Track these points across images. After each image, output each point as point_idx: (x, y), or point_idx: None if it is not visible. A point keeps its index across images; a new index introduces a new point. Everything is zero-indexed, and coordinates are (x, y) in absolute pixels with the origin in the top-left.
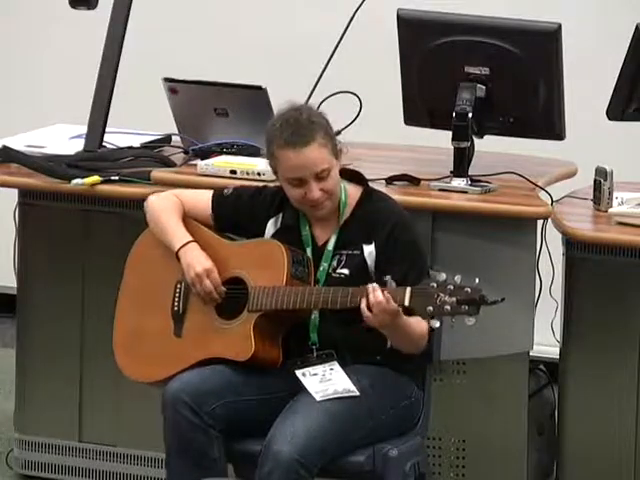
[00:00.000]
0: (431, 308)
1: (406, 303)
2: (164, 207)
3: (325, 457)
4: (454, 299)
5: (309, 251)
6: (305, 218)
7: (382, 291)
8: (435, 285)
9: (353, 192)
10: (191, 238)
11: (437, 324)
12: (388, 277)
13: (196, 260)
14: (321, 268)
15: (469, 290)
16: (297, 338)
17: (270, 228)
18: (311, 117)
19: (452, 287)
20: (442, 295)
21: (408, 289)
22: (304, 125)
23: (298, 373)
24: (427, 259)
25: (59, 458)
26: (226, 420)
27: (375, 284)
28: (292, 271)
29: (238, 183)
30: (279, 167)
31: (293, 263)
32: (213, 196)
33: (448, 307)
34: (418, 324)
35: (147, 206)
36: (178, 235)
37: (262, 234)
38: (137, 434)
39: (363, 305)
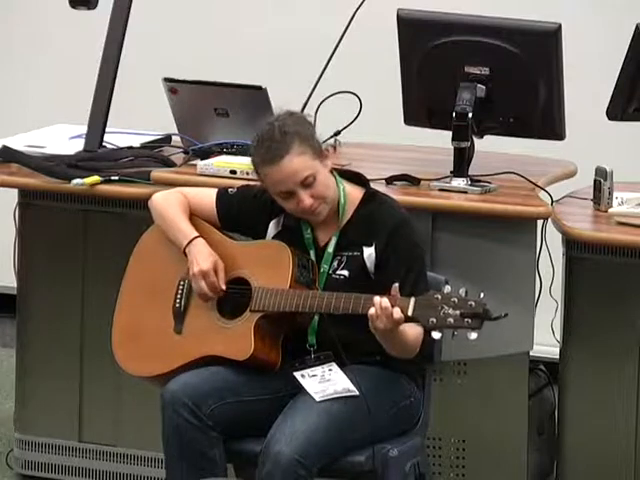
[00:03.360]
0: (434, 320)
1: (409, 313)
2: (170, 204)
3: (325, 457)
4: (458, 312)
5: (312, 253)
6: (307, 221)
7: (388, 299)
8: (439, 297)
9: (354, 193)
10: (197, 233)
11: (438, 336)
12: (396, 285)
13: (198, 258)
14: (322, 270)
15: (473, 304)
16: (295, 340)
17: (272, 229)
18: (284, 128)
19: (456, 300)
20: (446, 307)
21: (412, 299)
22: (277, 139)
23: (297, 375)
24: (425, 261)
25: (59, 458)
26: (226, 421)
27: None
28: (297, 275)
29: (238, 183)
30: (265, 184)
31: (298, 267)
32: (218, 195)
33: (451, 320)
34: (414, 333)
35: (152, 203)
36: (185, 231)
37: (264, 234)
38: (137, 434)
39: (372, 311)
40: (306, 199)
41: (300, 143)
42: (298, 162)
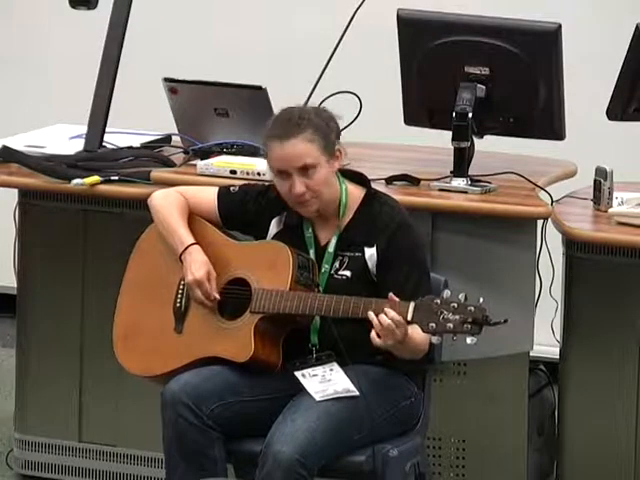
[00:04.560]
0: (433, 325)
1: (409, 318)
2: (167, 205)
3: (325, 457)
4: (457, 317)
5: (312, 252)
6: (308, 219)
7: (389, 308)
8: (439, 302)
9: (355, 193)
10: (193, 240)
11: (438, 340)
12: (391, 294)
13: (192, 267)
14: (323, 270)
15: (473, 309)
16: (297, 340)
17: (273, 227)
18: (303, 114)
19: (456, 305)
20: (445, 312)
21: (411, 304)
22: (293, 121)
23: (298, 374)
24: (427, 262)
25: (59, 458)
26: (226, 421)
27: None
28: (297, 276)
29: (238, 183)
30: (268, 160)
31: (299, 268)
32: (219, 193)
33: (451, 325)
34: (420, 336)
35: (151, 203)
36: (181, 238)
37: (265, 233)
38: (137, 434)
39: (373, 334)
40: (298, 186)
41: (313, 132)
42: (303, 147)
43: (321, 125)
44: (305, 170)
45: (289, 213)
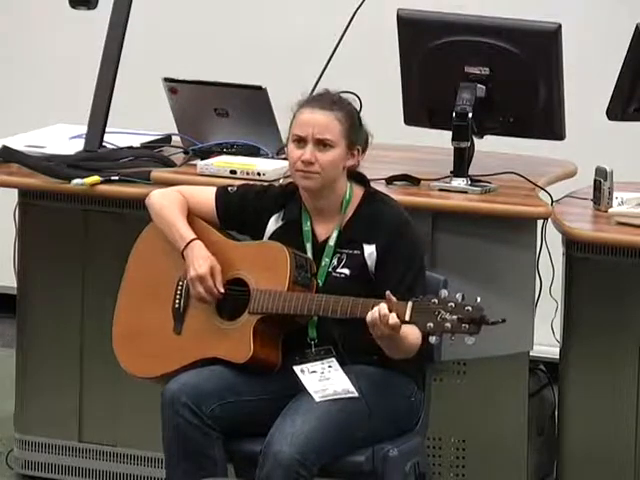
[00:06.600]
0: (431, 325)
1: (407, 318)
2: (167, 203)
3: (325, 457)
4: (455, 317)
5: (309, 246)
6: (307, 214)
7: (386, 303)
8: (436, 301)
9: (356, 192)
10: (194, 236)
11: (437, 341)
12: (388, 292)
13: (195, 262)
14: (322, 264)
15: (470, 309)
16: (296, 334)
17: (272, 224)
18: (341, 99)
19: (453, 305)
20: (443, 312)
21: (409, 304)
22: (332, 99)
23: (297, 369)
24: (424, 261)
25: (59, 458)
26: (226, 421)
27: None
28: (295, 276)
29: (237, 183)
30: (292, 126)
31: (296, 268)
32: (217, 193)
33: (448, 325)
34: (413, 336)
35: (149, 202)
36: (182, 233)
37: (263, 232)
38: (137, 434)
39: (368, 318)
40: (309, 153)
41: (345, 115)
42: (331, 122)
43: (354, 116)
44: (322, 145)
45: (288, 209)
